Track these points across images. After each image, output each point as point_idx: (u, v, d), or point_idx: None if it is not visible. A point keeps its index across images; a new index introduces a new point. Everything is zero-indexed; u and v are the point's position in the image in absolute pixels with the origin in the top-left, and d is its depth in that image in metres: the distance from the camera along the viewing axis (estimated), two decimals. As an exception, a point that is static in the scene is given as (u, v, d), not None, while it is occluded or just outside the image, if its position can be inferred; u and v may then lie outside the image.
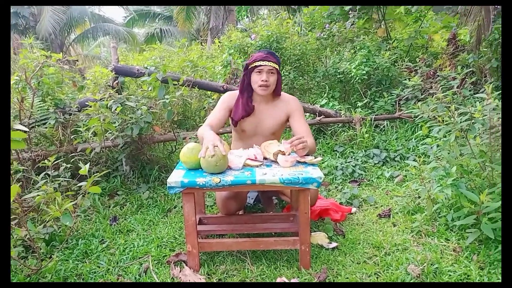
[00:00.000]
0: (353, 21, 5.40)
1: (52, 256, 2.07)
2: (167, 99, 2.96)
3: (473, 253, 1.98)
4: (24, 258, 1.99)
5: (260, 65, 2.17)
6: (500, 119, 2.17)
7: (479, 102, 2.24)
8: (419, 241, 2.16)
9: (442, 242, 2.12)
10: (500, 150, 2.21)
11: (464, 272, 1.83)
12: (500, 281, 1.75)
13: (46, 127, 3.04)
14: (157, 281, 1.85)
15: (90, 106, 2.82)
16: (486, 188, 2.03)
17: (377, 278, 1.83)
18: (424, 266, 1.84)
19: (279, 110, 2.29)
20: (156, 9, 16.58)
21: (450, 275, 1.82)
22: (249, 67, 2.23)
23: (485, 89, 2.21)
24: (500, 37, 4.01)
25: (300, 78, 4.90)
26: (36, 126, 3.03)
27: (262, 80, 2.17)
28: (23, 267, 1.84)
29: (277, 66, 2.20)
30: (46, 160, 2.40)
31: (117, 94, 3.04)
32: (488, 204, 1.93)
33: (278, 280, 1.82)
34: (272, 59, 2.19)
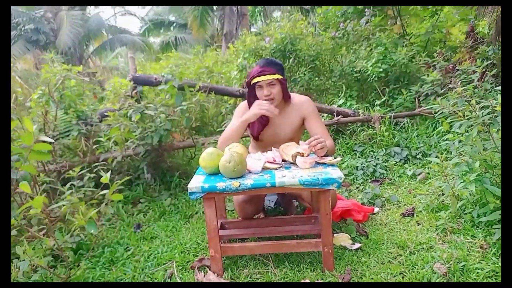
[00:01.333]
0: (368, 19, 5.35)
1: (79, 264, 2.12)
2: (184, 106, 3.00)
3: (501, 249, 1.92)
4: (53, 267, 2.05)
5: (258, 82, 2.13)
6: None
7: (501, 95, 2.18)
8: (445, 239, 2.12)
9: (468, 239, 2.07)
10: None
11: (492, 269, 1.79)
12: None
13: (69, 139, 3.13)
14: None
15: (110, 116, 2.89)
16: (513, 183, 1.98)
17: (402, 278, 1.81)
18: (451, 264, 1.81)
19: (293, 115, 2.26)
20: (171, 17, 16.84)
21: (477, 272, 1.78)
22: (251, 84, 2.19)
23: (506, 81, 2.15)
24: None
25: (316, 78, 4.88)
26: (60, 138, 3.12)
27: (265, 95, 2.14)
28: (53, 276, 1.89)
29: (276, 76, 2.12)
30: (71, 171, 2.47)
31: (136, 103, 3.10)
32: (515, 199, 1.88)
33: (302, 282, 1.81)
34: (268, 70, 2.11)
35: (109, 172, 1.95)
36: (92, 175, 2.73)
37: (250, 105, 2.24)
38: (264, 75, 2.10)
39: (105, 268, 2.10)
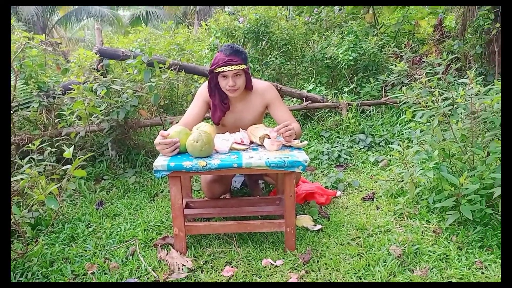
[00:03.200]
0: (342, 6, 5.38)
1: (37, 240, 2.07)
2: (153, 82, 2.93)
3: (453, 234, 2.04)
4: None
5: (224, 71, 2.07)
6: (482, 105, 2.22)
7: (462, 87, 2.28)
8: (401, 223, 2.22)
9: (423, 224, 2.18)
10: (482, 135, 2.26)
11: (443, 252, 1.90)
12: (476, 259, 1.82)
13: (29, 111, 2.99)
14: (144, 263, 1.86)
15: (74, 89, 2.78)
16: (466, 171, 2.09)
17: (360, 258, 1.88)
18: (405, 247, 1.90)
19: (256, 103, 2.24)
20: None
21: (430, 255, 1.88)
22: (214, 72, 2.11)
23: (468, 75, 2.25)
24: (485, 24, 4.05)
25: (288, 63, 4.89)
26: (19, 110, 2.97)
27: (229, 86, 2.09)
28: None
29: (242, 66, 2.07)
30: (30, 144, 2.37)
31: (102, 77, 2.99)
32: (468, 187, 1.99)
33: (264, 261, 1.86)
34: (235, 61, 2.04)
35: (72, 147, 1.89)
36: (53, 150, 2.63)
37: (210, 91, 2.20)
38: (231, 65, 2.04)
39: (65, 245, 2.06)
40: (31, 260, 1.87)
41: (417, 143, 2.54)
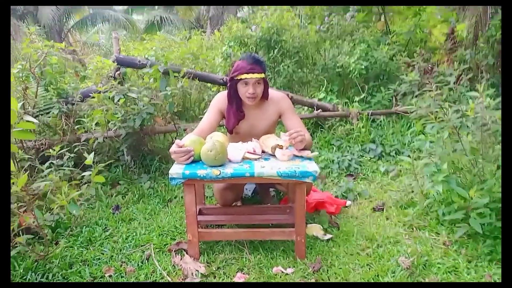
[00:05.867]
0: (353, 14, 5.42)
1: (57, 242, 2.15)
2: (168, 91, 3.01)
3: (462, 247, 2.07)
4: (31, 245, 2.06)
5: (246, 78, 2.15)
6: (492, 117, 2.24)
7: (472, 100, 2.31)
8: (411, 235, 2.25)
9: (432, 236, 2.21)
10: (492, 148, 2.28)
11: (452, 264, 1.92)
12: (485, 273, 1.85)
13: (49, 117, 3.10)
14: (159, 268, 1.93)
15: (93, 97, 2.88)
16: (476, 185, 2.12)
17: (369, 269, 1.92)
18: (414, 259, 1.93)
19: (270, 112, 2.32)
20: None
21: (439, 267, 1.91)
22: (235, 79, 2.19)
23: (477, 88, 2.27)
24: (497, 34, 4.05)
25: (299, 71, 4.94)
26: (40, 115, 3.08)
27: (249, 93, 2.16)
28: (31, 253, 1.91)
29: (263, 76, 2.17)
30: (50, 150, 2.47)
31: (119, 85, 3.09)
32: (477, 200, 2.01)
33: (275, 269, 1.91)
34: (257, 69, 2.13)
35: (92, 154, 1.97)
36: (72, 155, 2.73)
37: (229, 98, 2.27)
38: (253, 73, 2.13)
39: (83, 247, 2.14)
40: (51, 262, 1.95)
41: (427, 155, 2.56)
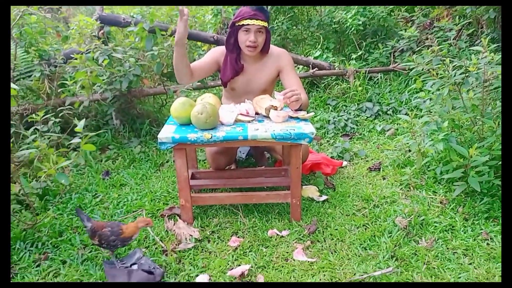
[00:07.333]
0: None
1: (46, 210, 2.09)
2: (155, 51, 2.86)
3: (459, 205, 2.04)
4: (19, 213, 2.00)
5: (248, 24, 2.03)
6: (494, 73, 2.14)
7: (474, 55, 2.20)
8: (408, 194, 2.22)
9: (429, 195, 2.18)
10: (493, 105, 2.21)
11: (449, 223, 1.90)
12: (482, 231, 1.83)
13: (31, 80, 2.95)
14: (151, 233, 1.89)
15: (76, 58, 2.73)
16: (476, 142, 2.06)
17: (365, 229, 1.90)
18: (411, 218, 1.90)
19: (269, 67, 2.21)
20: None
21: (435, 226, 1.89)
22: (236, 25, 2.08)
23: (481, 41, 2.16)
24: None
25: (294, 28, 4.74)
26: (21, 79, 2.93)
27: (250, 41, 2.05)
28: (19, 222, 1.86)
29: (266, 24, 2.06)
30: (34, 115, 2.35)
31: (103, 45, 2.92)
32: (476, 158, 1.96)
33: (270, 232, 1.87)
34: (261, 16, 2.02)
35: (83, 121, 1.86)
36: (57, 120, 2.62)
37: (228, 45, 2.16)
38: (256, 19, 2.01)
39: (73, 215, 2.08)
40: (40, 230, 1.90)
41: (426, 113, 2.49)
